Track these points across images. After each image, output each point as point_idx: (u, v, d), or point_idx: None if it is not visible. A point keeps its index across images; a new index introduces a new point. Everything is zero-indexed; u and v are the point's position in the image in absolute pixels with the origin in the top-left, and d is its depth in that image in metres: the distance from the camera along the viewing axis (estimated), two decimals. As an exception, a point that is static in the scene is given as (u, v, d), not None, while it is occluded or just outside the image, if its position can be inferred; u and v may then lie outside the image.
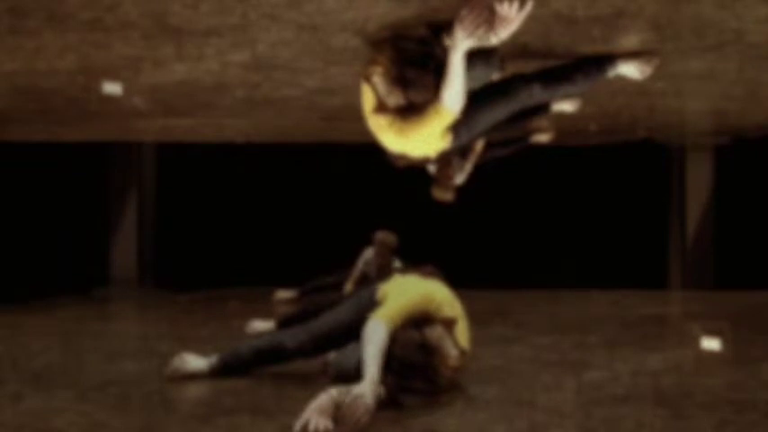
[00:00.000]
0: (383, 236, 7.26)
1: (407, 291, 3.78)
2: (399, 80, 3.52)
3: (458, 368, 3.66)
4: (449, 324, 3.70)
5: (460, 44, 3.27)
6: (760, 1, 3.38)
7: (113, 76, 4.57)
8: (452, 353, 3.61)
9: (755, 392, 3.76)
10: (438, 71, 3.48)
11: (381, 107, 3.61)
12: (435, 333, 3.61)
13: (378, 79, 3.57)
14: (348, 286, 7.11)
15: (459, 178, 5.77)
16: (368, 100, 3.66)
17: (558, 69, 4.02)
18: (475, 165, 5.81)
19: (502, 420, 3.32)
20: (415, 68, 3.51)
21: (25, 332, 5.76)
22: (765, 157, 9.42)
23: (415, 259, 4.87)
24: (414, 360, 3.52)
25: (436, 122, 3.51)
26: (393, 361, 3.47)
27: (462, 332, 3.79)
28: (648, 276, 9.67)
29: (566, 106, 5.23)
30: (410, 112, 3.58)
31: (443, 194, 5.77)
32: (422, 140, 3.64)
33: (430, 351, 3.56)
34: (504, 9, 3.22)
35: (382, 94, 3.57)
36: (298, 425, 3.13)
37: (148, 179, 10.33)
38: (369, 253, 7.37)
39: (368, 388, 3.23)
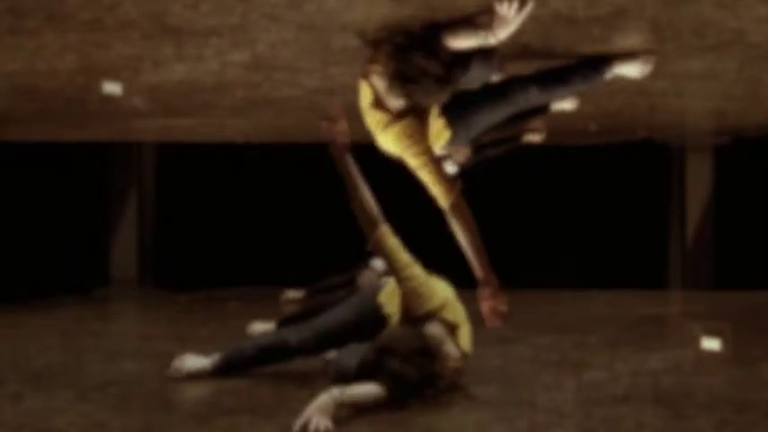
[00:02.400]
0: None
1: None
2: (397, 76, 3.53)
3: (459, 370, 3.66)
4: (451, 328, 3.70)
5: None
6: (760, 1, 3.37)
7: (113, 76, 4.56)
8: (453, 352, 3.61)
9: (755, 392, 3.76)
10: (435, 67, 3.50)
11: (379, 104, 3.63)
12: (437, 334, 3.60)
13: (377, 77, 3.58)
14: (361, 279, 7.01)
15: None
16: (365, 96, 3.67)
17: (555, 72, 4.03)
18: (464, 168, 5.80)
19: (502, 420, 3.32)
20: (412, 64, 3.51)
21: (25, 332, 5.76)
22: (765, 157, 9.42)
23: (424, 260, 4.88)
24: (416, 364, 3.51)
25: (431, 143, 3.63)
26: (394, 364, 3.46)
27: (465, 336, 3.79)
28: (648, 276, 9.66)
29: (565, 104, 5.23)
30: (407, 118, 3.60)
31: None
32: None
33: (431, 356, 3.56)
34: (502, 9, 3.22)
35: (381, 91, 3.59)
36: (297, 424, 3.14)
37: (148, 179, 10.32)
38: None
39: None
